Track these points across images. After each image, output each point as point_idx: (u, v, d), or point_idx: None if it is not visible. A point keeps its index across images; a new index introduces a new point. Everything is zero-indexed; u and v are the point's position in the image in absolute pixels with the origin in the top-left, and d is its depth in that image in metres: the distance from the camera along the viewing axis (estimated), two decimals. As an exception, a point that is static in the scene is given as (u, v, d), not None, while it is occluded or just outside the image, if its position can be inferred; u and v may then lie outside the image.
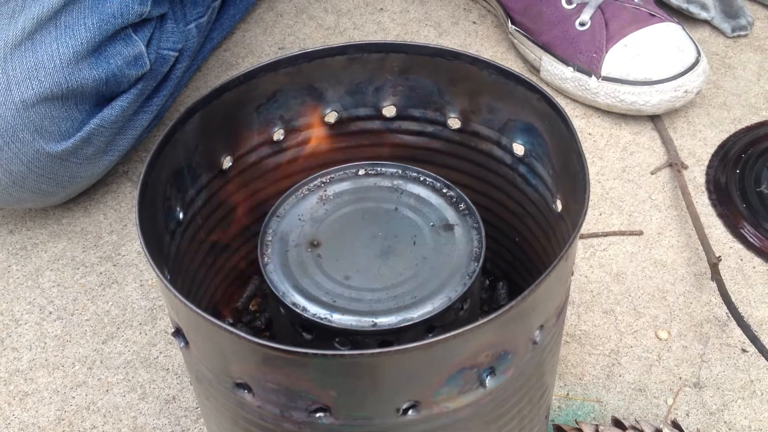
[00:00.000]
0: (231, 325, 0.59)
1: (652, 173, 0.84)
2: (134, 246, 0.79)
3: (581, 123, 0.88)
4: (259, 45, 1.00)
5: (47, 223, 0.82)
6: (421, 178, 0.54)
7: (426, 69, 0.55)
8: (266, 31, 1.02)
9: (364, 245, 0.50)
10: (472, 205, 0.52)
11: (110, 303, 0.75)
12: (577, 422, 0.64)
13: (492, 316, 0.39)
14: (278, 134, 0.56)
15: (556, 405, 0.68)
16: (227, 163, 0.55)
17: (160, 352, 0.72)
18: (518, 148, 0.54)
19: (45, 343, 0.73)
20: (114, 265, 0.78)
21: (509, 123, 0.54)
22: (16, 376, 0.71)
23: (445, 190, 0.53)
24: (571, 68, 0.87)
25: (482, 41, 0.99)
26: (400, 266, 0.49)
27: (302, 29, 1.02)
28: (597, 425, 0.63)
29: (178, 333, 0.46)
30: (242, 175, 0.56)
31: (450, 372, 0.41)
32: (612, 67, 0.85)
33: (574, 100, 0.90)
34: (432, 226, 0.51)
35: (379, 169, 0.54)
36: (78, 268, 0.78)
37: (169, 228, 0.51)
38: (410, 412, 0.42)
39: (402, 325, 0.46)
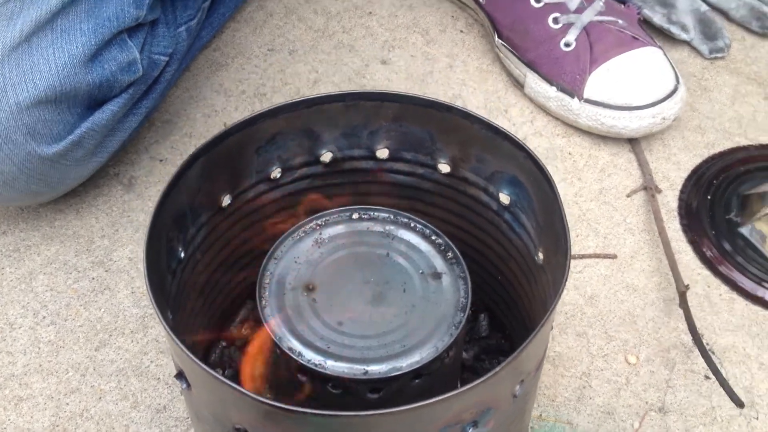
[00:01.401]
0: (224, 348, 0.63)
1: (627, 196, 0.87)
2: (125, 252, 0.82)
3: (562, 142, 0.91)
4: (248, 45, 1.02)
5: (40, 225, 0.83)
6: (412, 224, 0.57)
7: (419, 118, 0.57)
8: (255, 31, 1.03)
9: (357, 291, 0.53)
10: (459, 254, 0.55)
11: (102, 310, 0.78)
12: (547, 445, 0.68)
13: (476, 382, 0.42)
14: (275, 173, 0.59)
15: (529, 426, 0.72)
16: (227, 201, 0.57)
17: (151, 362, 0.75)
18: (504, 198, 0.57)
19: (39, 348, 0.75)
20: (106, 271, 0.80)
21: (496, 174, 0.57)
22: (11, 380, 0.73)
23: (434, 237, 0.56)
24: (554, 88, 0.90)
25: (468, 52, 1.01)
26: (391, 313, 0.52)
27: (291, 31, 1.03)
28: (566, 448, 0.67)
29: (180, 376, 0.48)
30: (240, 210, 0.59)
31: (436, 429, 0.44)
32: (594, 90, 0.88)
33: (556, 118, 0.92)
34: (421, 273, 0.54)
35: (371, 213, 0.57)
36: (71, 273, 0.80)
37: (171, 268, 0.53)
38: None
39: (392, 374, 0.49)
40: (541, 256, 0.55)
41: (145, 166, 0.88)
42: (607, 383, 0.74)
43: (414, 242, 0.56)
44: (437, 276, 0.54)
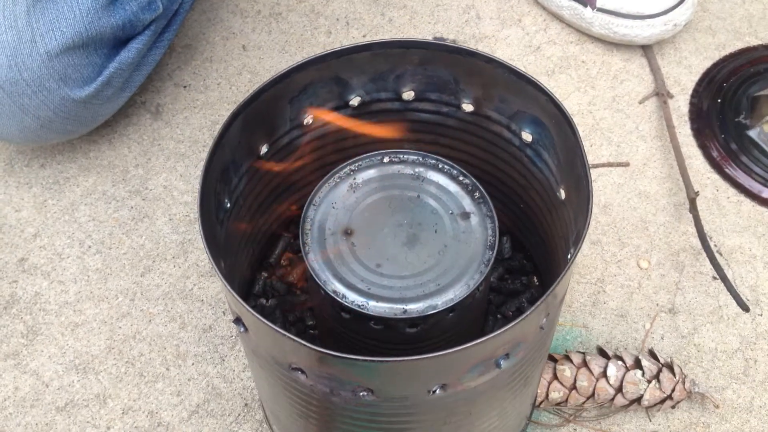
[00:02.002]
0: (266, 278, 0.67)
1: (640, 102, 0.90)
2: (160, 180, 0.85)
3: (576, 49, 0.93)
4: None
5: (75, 156, 0.87)
6: (440, 166, 0.60)
7: (443, 63, 0.60)
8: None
9: (392, 233, 0.57)
10: (485, 194, 0.59)
11: (144, 237, 0.82)
12: (567, 351, 0.74)
13: (509, 326, 0.47)
14: (308, 119, 0.62)
15: (549, 332, 0.77)
16: (264, 149, 0.61)
17: (194, 285, 0.80)
18: (527, 136, 0.61)
19: (88, 276, 0.81)
20: (143, 200, 0.85)
21: (519, 113, 0.60)
22: (66, 308, 0.79)
23: (461, 178, 0.60)
24: (567, -3, 0.91)
25: (480, -44, 1.01)
26: (425, 254, 0.57)
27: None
28: (584, 354, 0.73)
29: (238, 321, 0.53)
30: (276, 155, 0.62)
31: (473, 364, 0.50)
32: (607, -1, 0.89)
33: (569, 26, 0.94)
34: (451, 214, 0.58)
35: (401, 156, 0.60)
36: (110, 203, 0.84)
37: (219, 218, 0.57)
38: (438, 391, 0.51)
39: (428, 313, 0.54)
40: (563, 192, 0.58)
41: (170, 93, 0.90)
42: (621, 288, 0.80)
43: (443, 183, 0.59)
44: (466, 216, 0.58)
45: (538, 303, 0.48)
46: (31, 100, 0.75)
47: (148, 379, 0.75)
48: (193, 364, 0.76)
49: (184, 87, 0.91)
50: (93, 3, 0.74)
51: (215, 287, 0.80)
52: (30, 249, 0.82)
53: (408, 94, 0.62)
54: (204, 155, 0.86)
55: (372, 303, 0.55)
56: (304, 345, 0.48)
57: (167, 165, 0.86)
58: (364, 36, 0.94)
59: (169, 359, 0.76)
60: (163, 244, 0.82)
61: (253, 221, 0.64)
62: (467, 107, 0.62)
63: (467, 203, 0.58)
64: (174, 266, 0.81)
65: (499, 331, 0.47)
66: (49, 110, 0.76)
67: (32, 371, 0.76)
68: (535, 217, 0.65)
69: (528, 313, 0.48)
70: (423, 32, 0.94)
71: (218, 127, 0.87)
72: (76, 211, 0.84)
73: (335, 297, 0.55)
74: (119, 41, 0.79)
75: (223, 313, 0.78)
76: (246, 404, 0.74)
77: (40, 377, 0.75)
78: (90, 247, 0.82)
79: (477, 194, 0.59)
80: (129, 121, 0.89)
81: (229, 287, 0.49)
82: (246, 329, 0.53)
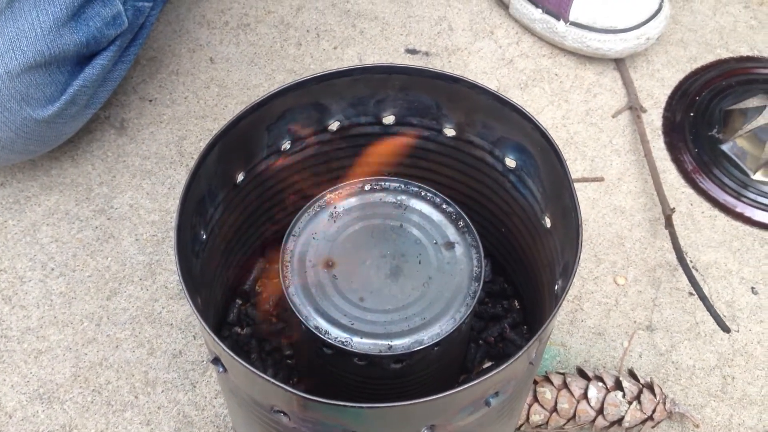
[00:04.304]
0: (240, 306, 0.65)
1: (613, 116, 0.89)
2: (125, 199, 0.83)
3: (548, 63, 0.92)
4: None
5: (36, 174, 0.84)
6: (422, 193, 0.59)
7: (425, 88, 0.58)
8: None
9: (375, 265, 0.56)
10: (470, 222, 0.57)
11: (109, 258, 0.80)
12: (547, 373, 0.73)
13: (501, 368, 0.46)
14: (285, 145, 0.60)
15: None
16: (240, 177, 0.59)
17: (163, 308, 0.77)
18: (510, 162, 0.59)
19: (51, 300, 0.78)
20: (108, 219, 0.82)
21: (503, 139, 0.59)
22: (28, 334, 0.76)
23: (444, 206, 0.58)
24: (540, 10, 0.90)
25: (450, -35, 1.00)
26: (409, 286, 0.55)
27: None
28: (564, 375, 0.72)
29: (217, 361, 0.51)
30: (252, 182, 0.60)
31: (463, 405, 0.48)
32: (580, 12, 0.88)
33: (542, 39, 0.93)
34: (435, 244, 0.57)
35: (383, 184, 0.59)
36: (73, 223, 0.81)
37: (195, 251, 0.55)
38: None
39: (414, 349, 0.53)
40: (548, 221, 0.57)
41: (135, 107, 0.87)
42: (598, 305, 0.79)
43: (426, 212, 0.58)
44: (450, 246, 0.56)
45: (531, 342, 0.47)
46: None
47: (116, 408, 0.73)
48: (162, 391, 0.73)
49: (150, 101, 0.88)
50: (55, 20, 0.71)
51: (185, 310, 0.77)
52: (-10, 273, 0.78)
53: (388, 119, 0.61)
54: (171, 171, 0.84)
55: (356, 339, 0.53)
56: (289, 391, 0.46)
57: (133, 183, 0.83)
58: (335, 48, 0.92)
59: (138, 387, 0.74)
60: (130, 266, 0.79)
61: (228, 249, 0.62)
62: (449, 132, 0.61)
63: (451, 232, 0.57)
64: (141, 289, 0.78)
65: (491, 373, 0.46)
66: (11, 131, 0.73)
67: (-6, 402, 0.73)
68: (517, 242, 0.63)
69: (520, 354, 0.47)
70: (395, 44, 0.92)
71: (185, 143, 0.85)
72: (37, 232, 0.81)
73: (317, 333, 0.53)
74: (83, 58, 0.76)
75: (194, 337, 0.76)
76: (219, 432, 0.72)
77: (3, 408, 0.72)
78: (53, 269, 0.79)
79: (461, 223, 0.57)
80: (92, 137, 0.86)
81: (208, 329, 0.47)
82: (225, 369, 0.51)
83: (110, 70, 0.80)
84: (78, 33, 0.73)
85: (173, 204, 0.82)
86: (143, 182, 0.83)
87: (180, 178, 0.84)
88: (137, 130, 0.86)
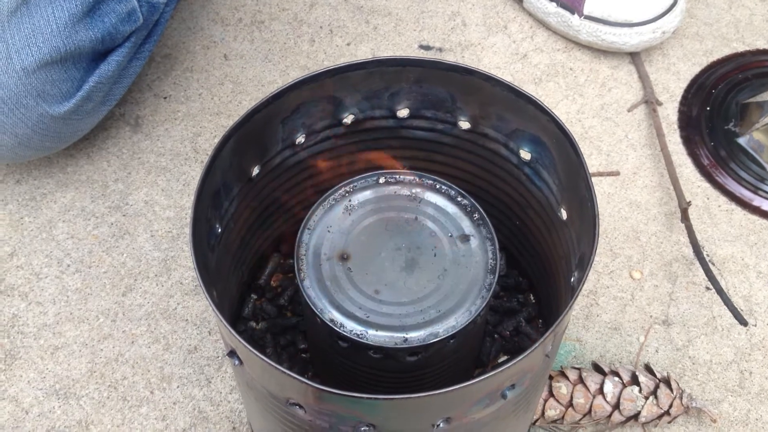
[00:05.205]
0: (255, 301, 0.65)
1: (629, 110, 0.89)
2: (140, 195, 0.83)
3: (563, 57, 0.92)
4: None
5: (52, 171, 0.84)
6: (437, 186, 0.58)
7: (440, 80, 0.58)
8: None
9: (390, 258, 0.56)
10: (485, 214, 0.57)
11: (125, 255, 0.80)
12: (562, 368, 0.73)
13: (519, 359, 0.46)
14: (300, 138, 0.60)
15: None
16: (255, 171, 0.59)
17: (178, 304, 0.78)
18: (525, 154, 0.59)
19: (68, 297, 0.78)
20: (123, 215, 0.82)
21: (517, 131, 0.58)
22: (45, 330, 0.76)
23: (459, 199, 0.58)
24: (554, 3, 0.90)
25: (463, -39, 0.99)
26: (424, 279, 0.55)
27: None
28: (580, 370, 0.72)
29: (233, 354, 0.51)
30: (267, 176, 0.60)
31: (479, 397, 0.48)
32: (594, 6, 0.87)
33: (556, 33, 0.93)
34: (450, 236, 0.56)
35: (397, 176, 0.59)
36: (89, 219, 0.82)
37: (210, 245, 0.55)
38: (442, 424, 0.49)
39: (430, 341, 0.53)
40: (564, 213, 0.57)
41: (150, 104, 0.88)
42: (614, 300, 0.79)
43: (441, 204, 0.58)
44: (465, 238, 0.56)
45: (547, 334, 0.47)
46: (8, 118, 0.72)
47: (131, 404, 0.73)
48: (178, 386, 0.74)
49: (165, 98, 0.88)
50: (70, 17, 0.71)
51: (200, 306, 0.77)
52: (6, 269, 0.79)
53: (402, 112, 0.61)
54: (186, 168, 0.84)
55: (371, 332, 0.53)
56: (305, 382, 0.46)
57: (148, 179, 0.84)
58: (348, 44, 0.92)
59: (154, 382, 0.74)
60: (145, 262, 0.80)
61: (243, 244, 0.62)
62: (464, 125, 0.61)
63: (466, 225, 0.57)
64: (157, 285, 0.78)
65: (507, 365, 0.46)
66: (27, 128, 0.73)
67: (11, 397, 0.73)
68: (532, 235, 0.63)
69: (536, 345, 0.46)
70: (408, 40, 0.92)
71: (200, 139, 0.85)
72: (54, 229, 0.81)
73: (333, 326, 0.53)
74: (98, 54, 0.76)
75: (209, 332, 0.76)
76: (234, 428, 0.72)
77: (20, 404, 0.73)
78: (69, 266, 0.79)
79: (476, 215, 0.57)
80: (108, 134, 0.86)
81: (224, 321, 0.47)
82: (241, 362, 0.51)
83: (125, 67, 0.80)
84: (93, 29, 0.73)
85: (188, 200, 0.82)
86: (158, 179, 0.84)
87: (195, 174, 0.84)
88: (152, 127, 0.87)
